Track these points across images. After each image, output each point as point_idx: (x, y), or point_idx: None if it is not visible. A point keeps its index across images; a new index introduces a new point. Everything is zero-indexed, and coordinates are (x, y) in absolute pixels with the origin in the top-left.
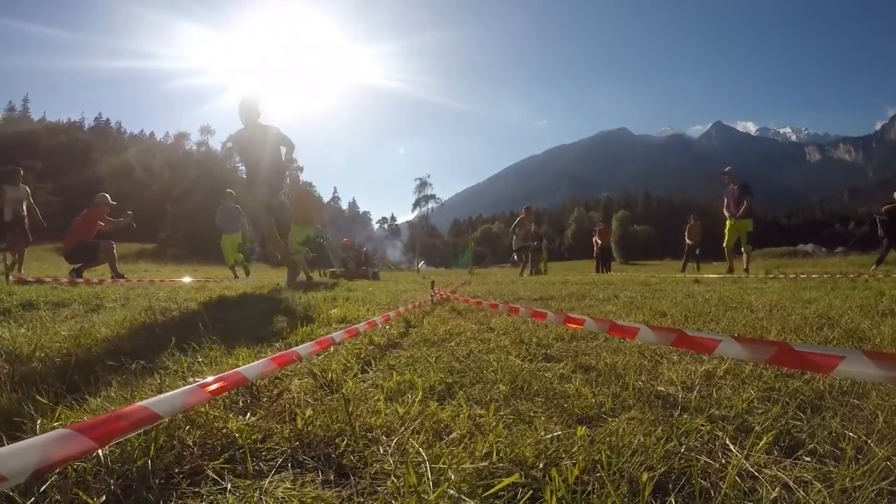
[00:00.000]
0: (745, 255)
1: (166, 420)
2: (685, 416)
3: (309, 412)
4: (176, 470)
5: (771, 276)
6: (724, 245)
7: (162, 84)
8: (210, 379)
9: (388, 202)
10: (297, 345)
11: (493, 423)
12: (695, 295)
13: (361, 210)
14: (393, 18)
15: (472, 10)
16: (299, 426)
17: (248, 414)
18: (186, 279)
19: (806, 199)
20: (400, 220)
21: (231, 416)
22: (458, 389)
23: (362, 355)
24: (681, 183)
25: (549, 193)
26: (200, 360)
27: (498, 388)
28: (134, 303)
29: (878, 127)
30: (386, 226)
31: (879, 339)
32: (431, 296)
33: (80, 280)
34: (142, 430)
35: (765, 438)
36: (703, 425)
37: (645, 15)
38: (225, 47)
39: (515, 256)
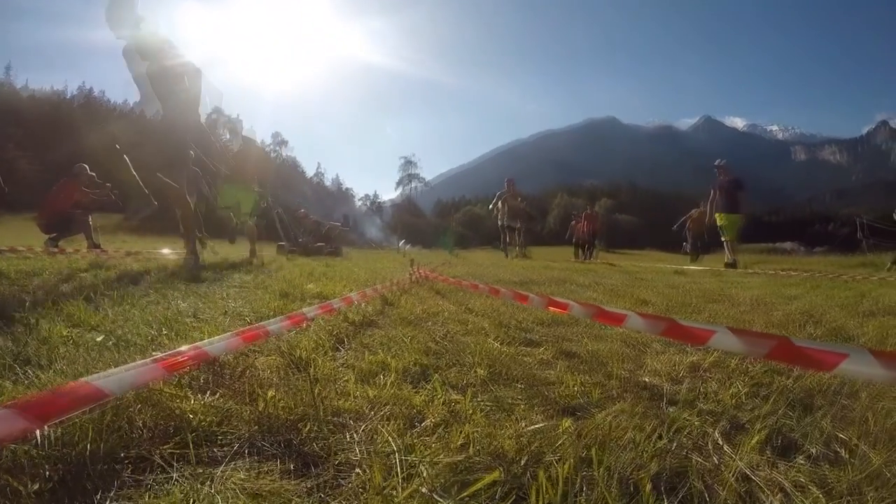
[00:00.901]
0: (727, 246)
1: (113, 399)
2: (673, 410)
3: (272, 393)
4: (122, 455)
5: (751, 271)
6: (725, 239)
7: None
8: (167, 354)
9: (372, 180)
10: (270, 318)
11: (470, 411)
12: (677, 286)
13: (345, 187)
14: None
15: None
16: (261, 408)
17: (208, 393)
18: (166, 251)
19: (790, 197)
20: (384, 198)
21: (189, 394)
22: (434, 372)
23: (336, 333)
24: (667, 175)
25: (534, 178)
26: (165, 332)
27: (476, 371)
28: (106, 273)
29: (864, 131)
30: (369, 203)
31: (864, 338)
32: (411, 274)
33: (56, 250)
34: (87, 409)
35: (756, 437)
36: (692, 420)
37: (639, 4)
38: (211, 19)
39: (507, 237)
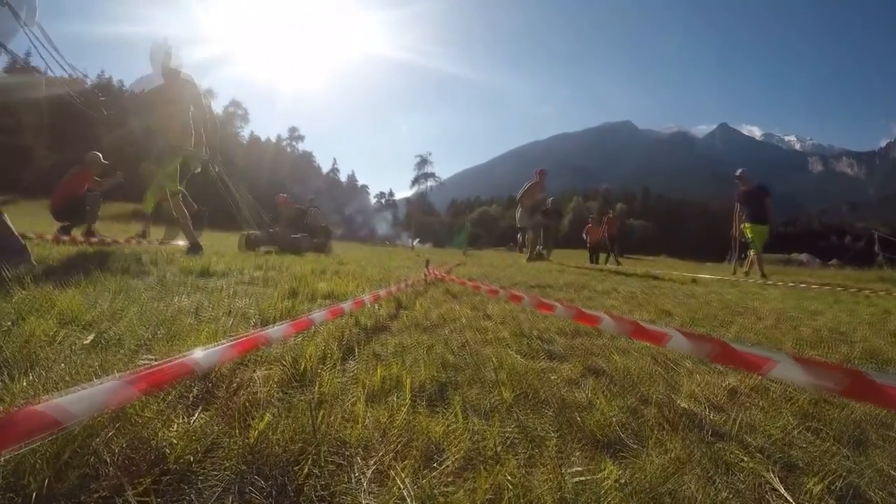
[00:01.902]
0: (756, 260)
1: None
2: (721, 446)
3: (268, 417)
4: (82, 498)
5: (770, 282)
6: (753, 251)
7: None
8: (146, 369)
9: (387, 177)
10: (276, 322)
11: (498, 447)
12: (696, 295)
13: (360, 183)
14: None
15: None
16: (253, 439)
17: (196, 413)
18: (180, 242)
19: (805, 208)
20: (398, 195)
21: (173, 415)
22: (453, 391)
23: (345, 339)
24: (682, 181)
25: (549, 181)
26: (161, 334)
27: (500, 392)
28: (111, 265)
29: (882, 144)
30: (383, 200)
31: None
32: (425, 275)
33: (66, 238)
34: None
35: (819, 484)
36: (744, 459)
37: (659, 9)
38: (227, 13)
39: (520, 236)
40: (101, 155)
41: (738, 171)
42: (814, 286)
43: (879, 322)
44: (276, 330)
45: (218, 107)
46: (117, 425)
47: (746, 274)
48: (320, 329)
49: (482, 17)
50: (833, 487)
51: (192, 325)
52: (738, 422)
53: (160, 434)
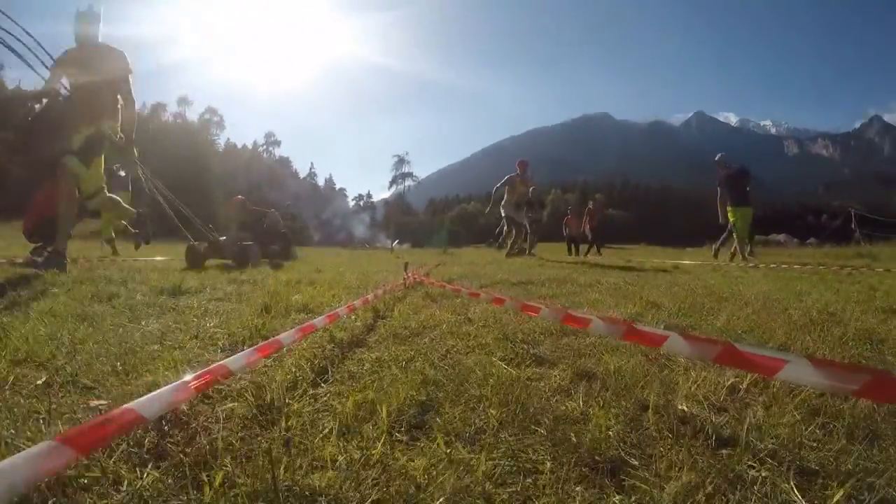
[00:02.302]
0: (738, 244)
1: None
2: (727, 452)
3: (223, 472)
4: None
5: (751, 265)
6: (737, 235)
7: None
8: (86, 425)
9: (365, 180)
10: (245, 343)
11: (485, 480)
12: (681, 283)
13: (338, 186)
14: None
15: None
16: (207, 498)
17: (148, 467)
18: (158, 258)
19: (782, 191)
20: (376, 197)
21: (124, 469)
22: (435, 413)
23: (317, 359)
24: (660, 170)
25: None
26: (121, 367)
27: (485, 408)
28: (82, 287)
29: (856, 125)
30: (361, 202)
31: (893, 341)
32: (405, 279)
33: (40, 260)
34: None
35: (839, 491)
36: (755, 467)
37: (629, 2)
38: (201, 14)
39: (505, 228)
40: None
41: (718, 156)
42: (795, 266)
43: (866, 300)
44: (237, 359)
45: (193, 114)
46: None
47: (732, 258)
48: (293, 349)
49: (457, 20)
50: (853, 492)
51: (157, 353)
52: (742, 423)
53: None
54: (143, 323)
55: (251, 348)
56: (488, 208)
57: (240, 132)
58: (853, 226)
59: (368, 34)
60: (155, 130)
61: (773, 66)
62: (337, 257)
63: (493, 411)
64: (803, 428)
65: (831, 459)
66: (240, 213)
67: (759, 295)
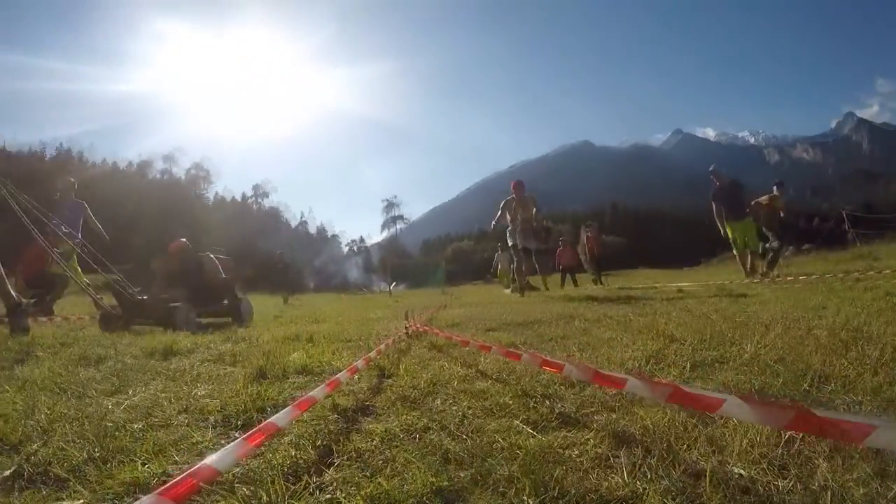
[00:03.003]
0: (751, 258)
1: None
2: None
3: None
4: None
5: (756, 280)
6: (737, 251)
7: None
8: None
9: (358, 223)
10: (237, 417)
11: None
12: (691, 310)
13: (332, 233)
14: (358, 44)
15: (428, 37)
16: None
17: None
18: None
19: None
20: (370, 241)
21: None
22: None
23: (320, 436)
24: (646, 192)
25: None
26: (98, 453)
27: (518, 493)
28: (69, 350)
29: (833, 125)
30: (355, 248)
31: None
32: (407, 328)
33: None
34: None
35: None
36: None
37: (596, 28)
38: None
39: (514, 261)
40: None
41: (711, 167)
42: (801, 277)
43: (888, 308)
44: (224, 455)
45: (180, 170)
46: None
47: (747, 276)
48: (292, 426)
49: (430, 68)
50: None
51: (140, 433)
52: (809, 487)
53: None
54: (129, 392)
55: (242, 437)
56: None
57: (229, 182)
58: (846, 226)
59: (352, 86)
60: (142, 188)
61: (744, 77)
62: (335, 303)
63: (528, 499)
64: (877, 486)
65: None
66: (169, 263)
67: (777, 316)
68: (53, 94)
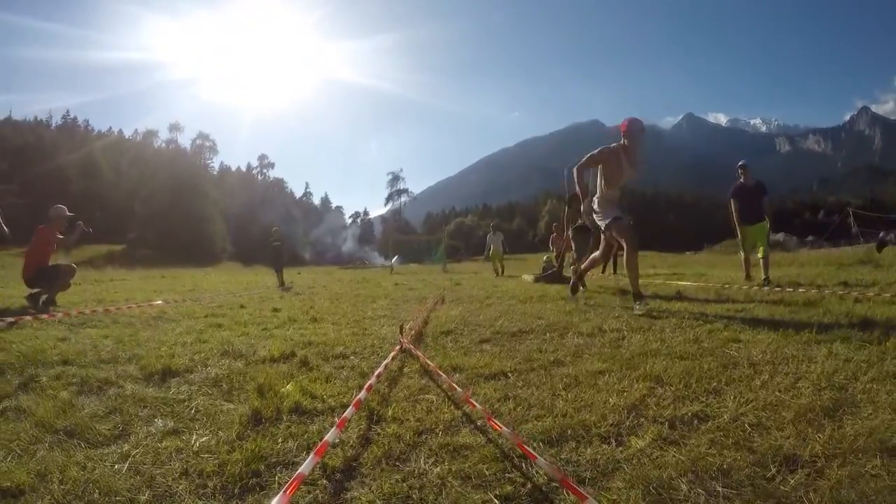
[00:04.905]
0: (763, 262)
1: None
2: None
3: None
4: None
5: (755, 285)
6: (743, 252)
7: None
8: None
9: (361, 197)
10: (236, 484)
11: None
12: (684, 329)
13: (335, 205)
14: (364, 16)
15: (445, 6)
16: None
17: None
18: (158, 301)
19: (776, 189)
20: (373, 213)
21: None
22: None
23: None
24: (653, 174)
25: (521, 186)
26: None
27: None
28: (69, 372)
29: (846, 118)
30: (358, 220)
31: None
32: (401, 343)
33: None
34: None
35: None
36: None
37: (616, 7)
38: (196, 40)
39: (574, 244)
40: (65, 208)
41: (741, 162)
42: (801, 289)
43: (878, 359)
44: None
45: (185, 140)
46: None
47: (747, 277)
48: None
49: (443, 40)
50: None
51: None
52: None
53: None
54: (132, 440)
55: None
56: (565, 211)
57: (234, 155)
58: (851, 222)
59: (357, 58)
60: (147, 158)
61: (760, 63)
62: (333, 285)
63: None
64: None
65: None
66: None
67: (767, 353)
68: (60, 62)
